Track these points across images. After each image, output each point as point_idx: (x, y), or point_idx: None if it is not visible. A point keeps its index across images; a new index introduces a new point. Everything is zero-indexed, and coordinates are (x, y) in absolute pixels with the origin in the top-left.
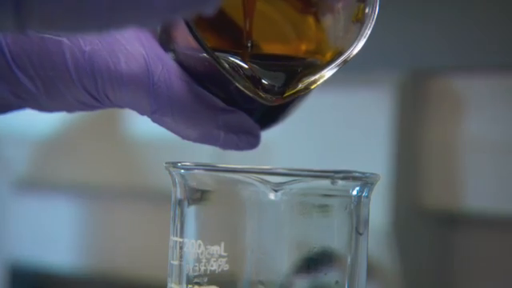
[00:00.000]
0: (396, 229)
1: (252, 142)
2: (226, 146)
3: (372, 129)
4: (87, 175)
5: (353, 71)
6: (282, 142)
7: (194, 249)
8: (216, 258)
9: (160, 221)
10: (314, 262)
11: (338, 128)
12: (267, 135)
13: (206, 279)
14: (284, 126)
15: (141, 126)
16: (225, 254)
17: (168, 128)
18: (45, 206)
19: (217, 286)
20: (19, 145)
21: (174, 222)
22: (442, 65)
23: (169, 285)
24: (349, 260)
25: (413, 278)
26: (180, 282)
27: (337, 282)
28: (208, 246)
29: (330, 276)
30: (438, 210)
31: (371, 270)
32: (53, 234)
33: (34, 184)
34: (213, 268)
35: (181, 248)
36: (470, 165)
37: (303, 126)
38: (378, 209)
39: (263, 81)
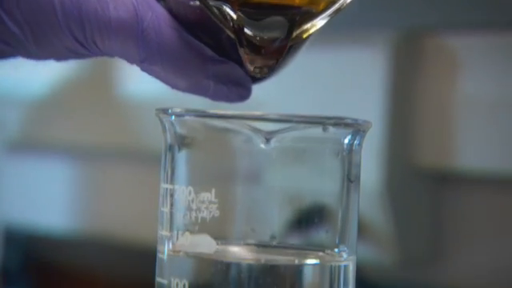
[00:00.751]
0: (389, 188)
1: (243, 93)
2: (215, 97)
3: (365, 87)
4: (81, 136)
5: (346, 30)
6: (274, 97)
7: (185, 195)
8: (207, 205)
9: (154, 182)
10: (306, 217)
11: (330, 87)
12: (258, 90)
13: (197, 227)
14: (276, 81)
15: (135, 86)
16: (215, 201)
17: (157, 77)
18: (38, 168)
19: (208, 234)
20: (12, 106)
21: (165, 168)
22: (437, 23)
23: (159, 232)
24: (340, 209)
25: (405, 237)
26: (171, 230)
27: (327, 231)
28: (199, 193)
29: (321, 229)
30: (431, 168)
31: (363, 230)
32: (46, 196)
33: (27, 145)
34: (204, 215)
35: (171, 195)
36: (464, 123)
37: (295, 83)
38: (371, 168)
39: (247, 31)
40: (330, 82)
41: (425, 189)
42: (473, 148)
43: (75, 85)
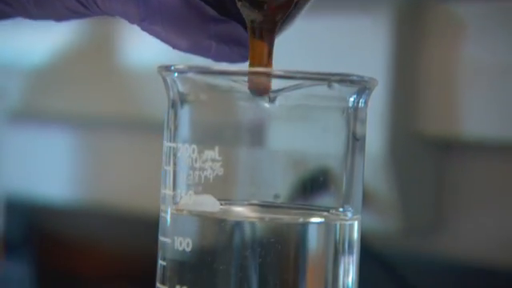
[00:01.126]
0: (392, 155)
1: (244, 54)
2: (217, 57)
3: (369, 54)
4: (82, 105)
5: None
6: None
7: (188, 154)
8: (210, 163)
9: (156, 151)
10: (311, 178)
11: (333, 54)
12: None
13: (200, 188)
14: (277, 46)
15: (137, 55)
16: (219, 159)
17: (158, 37)
18: (39, 138)
19: (212, 194)
20: (12, 75)
21: (168, 126)
22: None
23: (162, 191)
24: (345, 168)
25: (408, 204)
26: (174, 189)
27: (333, 186)
28: (202, 151)
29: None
30: (435, 136)
31: (366, 197)
32: (47, 166)
33: (28, 115)
34: (207, 174)
35: (174, 154)
36: (468, 90)
37: (297, 50)
38: (374, 135)
39: None
40: (333, 49)
41: (428, 156)
42: (477, 115)
43: (76, 54)
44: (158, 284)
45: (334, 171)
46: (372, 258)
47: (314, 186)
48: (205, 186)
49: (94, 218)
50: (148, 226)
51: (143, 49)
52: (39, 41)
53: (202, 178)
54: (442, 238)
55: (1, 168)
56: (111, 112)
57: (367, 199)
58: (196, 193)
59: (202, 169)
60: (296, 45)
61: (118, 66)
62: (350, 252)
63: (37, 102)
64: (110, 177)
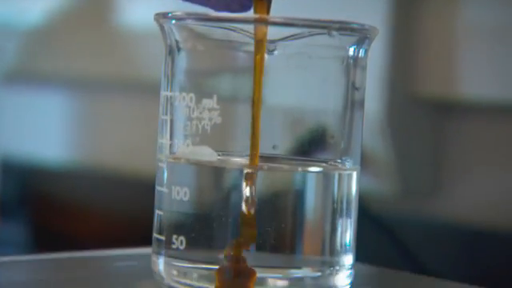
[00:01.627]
0: (390, 117)
1: (244, 3)
2: (216, 6)
3: (366, 13)
4: (78, 66)
5: None
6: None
7: (186, 103)
8: (208, 112)
9: (153, 113)
10: (309, 135)
11: (330, 10)
12: None
13: (198, 139)
14: None
15: (134, 16)
16: (217, 107)
17: None
18: (35, 99)
19: (210, 146)
20: (8, 36)
21: (166, 74)
22: None
23: (159, 141)
24: (345, 119)
25: (406, 167)
26: (171, 138)
27: (332, 137)
28: (200, 99)
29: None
30: (433, 97)
31: (364, 160)
32: (43, 128)
33: (25, 76)
34: (205, 125)
35: (171, 103)
36: (467, 52)
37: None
38: (372, 96)
39: None
40: (329, 11)
41: (426, 118)
42: (476, 77)
43: (73, 15)
44: (154, 234)
45: (333, 122)
46: (370, 221)
47: (312, 138)
48: (202, 137)
49: (90, 179)
50: (144, 188)
51: (141, 10)
52: (36, 1)
53: (200, 129)
54: (440, 200)
55: None
56: (108, 73)
57: (365, 162)
58: (193, 144)
59: (199, 119)
60: None
61: (115, 27)
62: (349, 203)
63: (33, 64)
64: (107, 139)
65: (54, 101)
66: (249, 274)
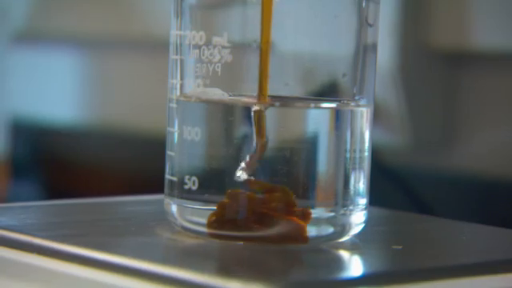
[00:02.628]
0: (402, 68)
1: None
2: None
3: None
4: (88, 25)
5: None
6: None
7: (196, 41)
8: (219, 50)
9: (163, 72)
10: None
11: None
12: None
13: (208, 81)
14: None
15: None
16: (228, 45)
17: None
18: (44, 59)
19: (220, 88)
20: None
21: (176, 12)
22: None
23: (170, 81)
24: (358, 57)
25: (418, 119)
26: (182, 78)
27: (344, 75)
28: (210, 38)
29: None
30: (446, 48)
31: (377, 112)
32: (53, 88)
33: (33, 36)
34: (215, 67)
35: (181, 43)
36: (479, 1)
37: None
38: (383, 47)
39: None
40: None
41: (439, 69)
42: (489, 26)
43: None
44: (166, 175)
45: (345, 59)
46: (382, 174)
47: (324, 76)
48: (213, 79)
49: (100, 139)
50: (155, 147)
51: None
52: None
53: (211, 70)
54: (453, 152)
55: (6, 90)
56: (117, 31)
57: (377, 114)
58: (204, 85)
59: (210, 60)
60: None
61: None
62: (362, 143)
63: (42, 23)
64: (117, 98)
65: (63, 60)
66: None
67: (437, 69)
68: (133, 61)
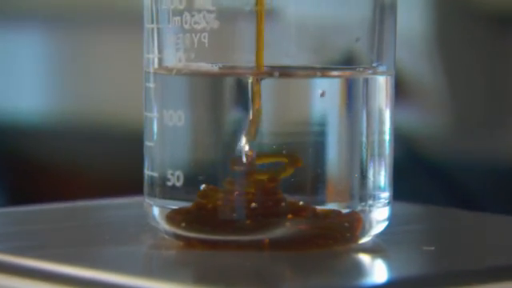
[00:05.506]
0: (439, 36)
1: None
2: None
3: None
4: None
5: None
6: None
7: (175, 4)
8: (203, 15)
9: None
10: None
11: None
12: None
13: (192, 54)
14: None
15: None
16: (213, 9)
17: None
18: (6, 39)
19: (205, 62)
20: None
21: None
22: None
23: (145, 55)
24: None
25: (459, 96)
26: (160, 52)
27: (358, 39)
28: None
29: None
30: (491, 9)
31: (408, 90)
32: (14, 74)
33: None
34: (202, 36)
35: (157, 9)
36: None
37: None
38: (416, 12)
39: None
40: None
41: (483, 34)
42: None
43: None
44: (145, 171)
45: (358, 20)
46: (418, 163)
47: (335, 41)
48: (198, 52)
49: (72, 134)
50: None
51: None
52: None
53: (196, 42)
54: (501, 135)
55: None
56: (94, 3)
57: (409, 92)
58: (188, 60)
59: (193, 29)
60: None
61: None
62: (382, 122)
63: None
64: (93, 86)
65: (26, 41)
66: None
67: (481, 34)
68: (112, 39)
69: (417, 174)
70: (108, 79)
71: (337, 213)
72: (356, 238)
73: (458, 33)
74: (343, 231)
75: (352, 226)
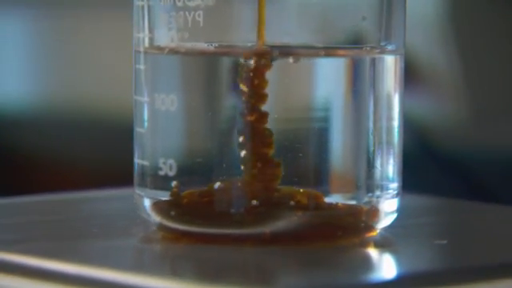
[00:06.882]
0: (454, 16)
1: None
2: None
3: None
4: None
5: None
6: None
7: None
8: None
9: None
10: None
11: None
12: None
13: (186, 34)
14: None
15: None
16: None
17: None
18: None
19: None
20: None
21: None
22: None
23: (135, 35)
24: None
25: (475, 83)
26: (150, 31)
27: (364, 18)
28: None
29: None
30: None
31: (421, 76)
32: (1, 60)
33: None
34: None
35: None
36: None
37: None
38: None
39: None
40: None
41: (501, 17)
42: None
43: None
44: (135, 159)
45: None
46: (434, 154)
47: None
48: (193, 31)
49: (60, 127)
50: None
51: None
52: None
53: (190, 20)
54: None
55: None
56: None
57: (421, 78)
58: (181, 40)
59: (186, 6)
60: None
61: None
62: (390, 107)
63: None
64: (81, 72)
65: (13, 26)
66: None
67: (499, 16)
68: (101, 25)
69: (429, 165)
70: (96, 65)
71: (342, 204)
72: (363, 232)
73: (475, 14)
74: (349, 224)
75: (358, 218)
